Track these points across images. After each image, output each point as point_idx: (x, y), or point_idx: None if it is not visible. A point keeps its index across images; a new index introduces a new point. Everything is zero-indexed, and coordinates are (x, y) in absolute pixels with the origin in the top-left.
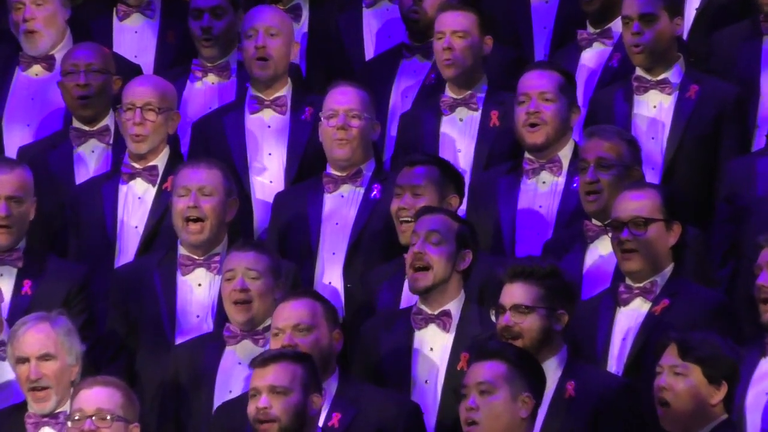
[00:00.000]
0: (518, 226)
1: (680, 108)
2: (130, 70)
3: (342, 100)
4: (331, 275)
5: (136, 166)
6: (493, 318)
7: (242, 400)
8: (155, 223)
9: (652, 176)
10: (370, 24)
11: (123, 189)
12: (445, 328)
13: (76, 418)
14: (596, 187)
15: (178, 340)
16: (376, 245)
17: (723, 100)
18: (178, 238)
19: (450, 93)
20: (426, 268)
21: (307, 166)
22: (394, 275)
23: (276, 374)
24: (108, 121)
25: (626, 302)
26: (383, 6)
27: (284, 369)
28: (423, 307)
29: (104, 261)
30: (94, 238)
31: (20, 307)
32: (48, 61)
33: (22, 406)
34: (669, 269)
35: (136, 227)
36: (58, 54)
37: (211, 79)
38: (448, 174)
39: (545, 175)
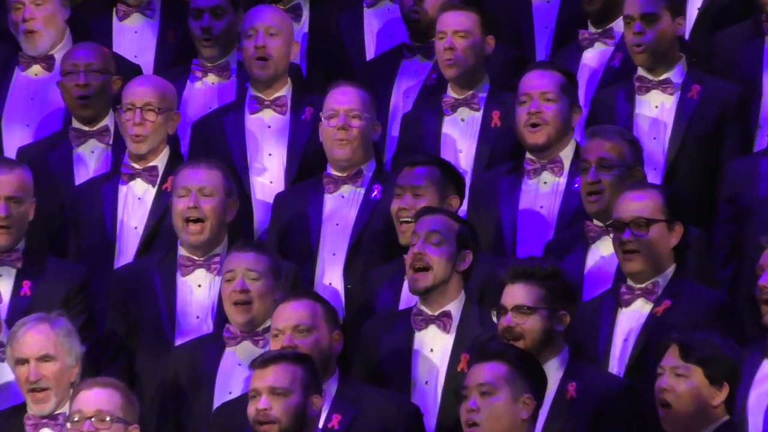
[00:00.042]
0: (519, 226)
1: (682, 108)
2: (129, 70)
3: (342, 100)
4: (331, 276)
5: (136, 166)
6: (494, 319)
7: (241, 401)
8: (155, 224)
9: (653, 176)
10: (371, 24)
11: (123, 189)
12: (445, 329)
13: (76, 419)
14: (598, 187)
15: (178, 341)
16: (376, 246)
17: (725, 100)
18: (178, 238)
19: (452, 93)
20: (426, 268)
21: (307, 166)
22: (394, 276)
23: (276, 375)
24: (108, 121)
25: (628, 303)
26: (384, 6)
27: (284, 370)
28: (423, 308)
29: (104, 262)
30: (93, 238)
31: (19, 308)
32: (47, 61)
33: (22, 408)
34: (671, 270)
35: (136, 228)
36: (58, 54)
37: (211, 79)
38: (449, 175)
39: (546, 176)
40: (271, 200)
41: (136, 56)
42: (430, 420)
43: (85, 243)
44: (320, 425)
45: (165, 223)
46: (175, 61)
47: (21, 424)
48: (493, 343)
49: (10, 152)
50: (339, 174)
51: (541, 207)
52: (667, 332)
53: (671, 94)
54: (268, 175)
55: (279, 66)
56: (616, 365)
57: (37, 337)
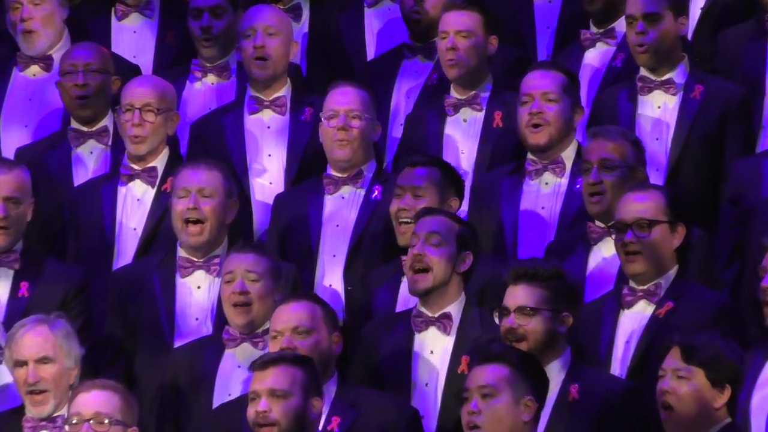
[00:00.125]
0: (520, 227)
1: (685, 108)
2: (128, 71)
3: (342, 101)
4: (331, 278)
5: (135, 167)
6: (496, 320)
7: (239, 403)
8: (154, 225)
9: (656, 177)
10: (372, 24)
11: (122, 190)
12: (445, 330)
13: (74, 422)
14: (599, 188)
15: (177, 343)
16: (376, 247)
17: (728, 100)
18: (177, 239)
19: (454, 93)
20: (426, 269)
21: (307, 167)
22: (392, 277)
23: (276, 377)
24: (107, 121)
25: (630, 305)
26: (385, 6)
27: (284, 372)
28: (423, 309)
29: (103, 263)
30: (92, 239)
31: (17, 310)
32: (46, 61)
33: (20, 410)
34: (673, 271)
35: (135, 229)
36: (56, 54)
37: (211, 79)
38: (449, 176)
39: (548, 176)
40: (270, 201)
41: (135, 56)
42: (431, 422)
43: (83, 244)
44: (319, 427)
45: (164, 224)
46: (175, 61)
47: (19, 427)
48: (494, 344)
49: (9, 153)
50: (339, 175)
51: (543, 208)
52: (669, 334)
53: (674, 95)
54: (268, 176)
55: (278, 66)
56: (618, 367)
57: (35, 339)
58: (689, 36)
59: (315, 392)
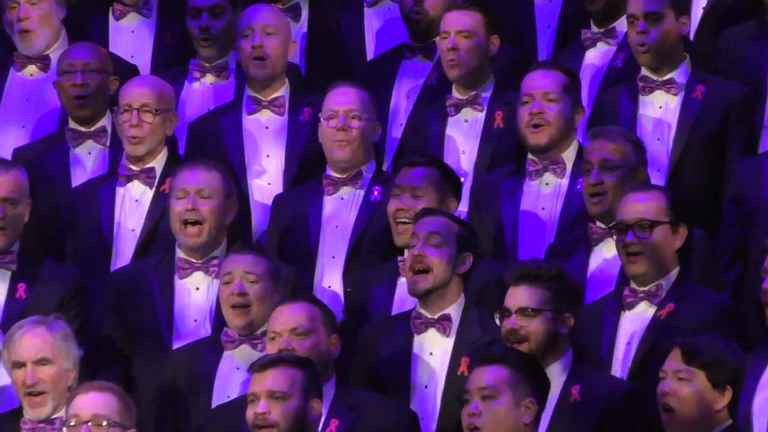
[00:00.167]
0: (521, 228)
1: (686, 108)
2: (126, 71)
3: (342, 101)
4: (330, 279)
5: (134, 168)
6: (497, 321)
7: (238, 403)
8: (152, 226)
9: (657, 178)
10: (372, 24)
11: (120, 191)
12: (445, 332)
13: (72, 424)
14: (600, 188)
15: (176, 345)
16: (376, 248)
17: (730, 100)
18: (175, 241)
19: (456, 93)
20: (426, 270)
21: (306, 167)
22: (389, 277)
23: (275, 379)
24: (105, 122)
25: (631, 306)
26: (385, 5)
27: (283, 374)
28: (422, 311)
29: (101, 264)
30: (90, 241)
31: (14, 311)
32: (43, 61)
33: (18, 412)
34: (675, 272)
35: (133, 230)
36: (54, 54)
37: (210, 79)
38: (448, 177)
39: (549, 177)
40: (269, 202)
41: (132, 56)
42: (430, 424)
43: (81, 245)
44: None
45: (162, 225)
46: (173, 61)
47: (17, 429)
48: (494, 346)
49: (6, 153)
50: (338, 175)
51: (543, 209)
52: (670, 335)
53: (675, 95)
54: (267, 176)
55: (276, 66)
56: (619, 369)
57: (34, 341)
58: (691, 36)
59: (315, 394)
